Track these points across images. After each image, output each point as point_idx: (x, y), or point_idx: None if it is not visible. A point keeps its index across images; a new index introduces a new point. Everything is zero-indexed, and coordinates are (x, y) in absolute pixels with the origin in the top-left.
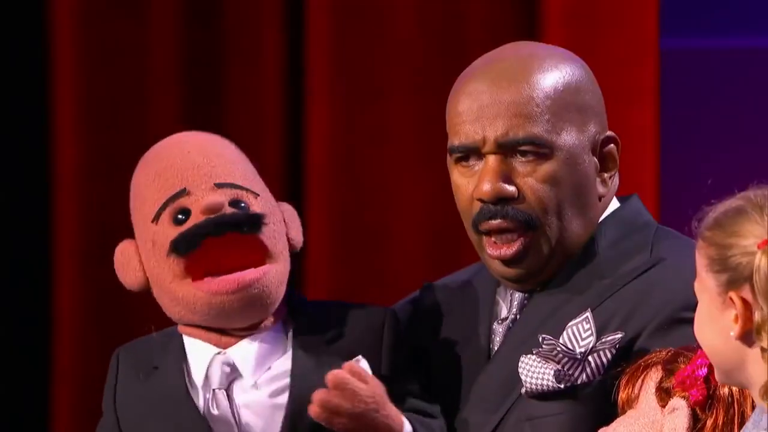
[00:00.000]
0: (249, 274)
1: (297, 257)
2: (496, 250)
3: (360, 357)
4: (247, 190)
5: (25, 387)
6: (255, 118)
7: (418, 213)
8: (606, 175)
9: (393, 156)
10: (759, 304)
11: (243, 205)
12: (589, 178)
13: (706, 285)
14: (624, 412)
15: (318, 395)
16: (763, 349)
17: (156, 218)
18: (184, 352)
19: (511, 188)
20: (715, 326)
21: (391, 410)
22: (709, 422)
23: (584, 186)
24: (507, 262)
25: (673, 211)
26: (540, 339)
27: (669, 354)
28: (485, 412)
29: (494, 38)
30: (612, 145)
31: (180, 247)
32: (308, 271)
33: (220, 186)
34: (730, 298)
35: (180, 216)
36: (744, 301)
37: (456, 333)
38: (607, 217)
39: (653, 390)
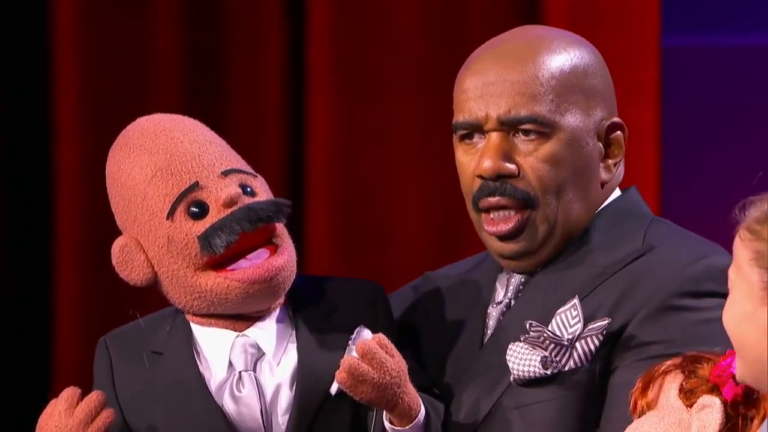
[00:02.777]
0: (278, 258)
1: (299, 254)
2: (493, 227)
3: (362, 327)
4: (246, 173)
5: (26, 384)
6: (256, 115)
7: (419, 210)
8: (610, 161)
9: (394, 153)
10: None
11: (249, 189)
12: (592, 163)
13: (747, 278)
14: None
15: (347, 361)
16: None
17: (170, 214)
18: (192, 339)
19: (512, 166)
20: (752, 323)
21: (411, 389)
22: (756, 422)
23: (586, 169)
24: (503, 238)
25: (674, 208)
26: (527, 326)
27: (684, 358)
28: (478, 399)
29: (495, 35)
30: (618, 132)
31: (215, 244)
32: (310, 268)
33: (226, 174)
34: None
35: (194, 209)
36: None
37: (452, 318)
38: (605, 206)
39: (675, 392)
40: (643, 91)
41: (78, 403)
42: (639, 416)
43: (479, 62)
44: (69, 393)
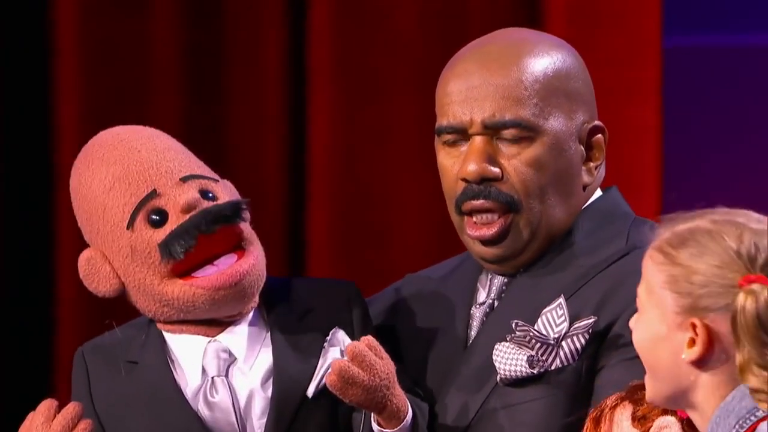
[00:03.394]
0: (244, 263)
1: (299, 254)
2: (476, 231)
3: (337, 328)
4: (207, 178)
5: (27, 384)
6: (257, 115)
7: (419, 210)
8: (592, 164)
9: (394, 153)
10: (742, 343)
11: (211, 194)
12: (574, 166)
13: (661, 301)
14: None
15: (337, 364)
16: (752, 390)
17: (130, 224)
18: (166, 347)
19: (496, 169)
20: (663, 344)
21: (399, 391)
22: None
23: (568, 173)
24: (486, 242)
25: (674, 209)
26: (513, 325)
27: (628, 390)
28: (465, 400)
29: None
30: (599, 135)
31: (174, 250)
32: (310, 269)
33: (185, 180)
34: (693, 324)
35: (154, 217)
36: (708, 329)
37: (435, 320)
38: (586, 207)
39: (628, 422)
40: (643, 91)
41: (55, 416)
42: None
43: (462, 64)
44: (46, 405)
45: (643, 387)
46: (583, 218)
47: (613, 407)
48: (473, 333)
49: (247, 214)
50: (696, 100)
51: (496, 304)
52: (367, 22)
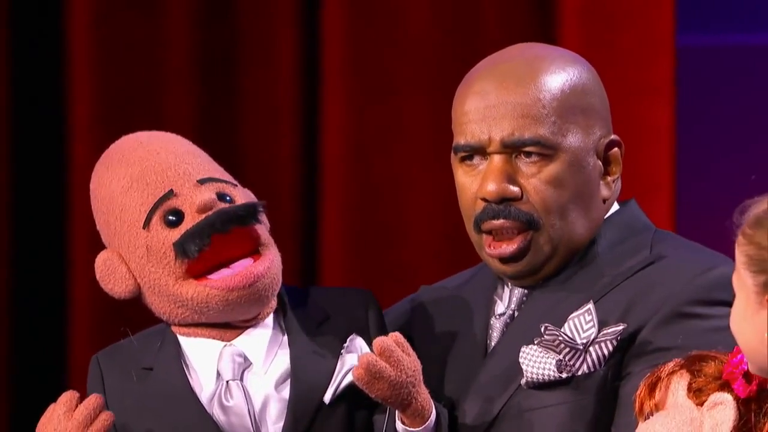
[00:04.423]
0: (259, 266)
1: (311, 252)
2: (495, 249)
3: (355, 335)
4: (226, 182)
5: (42, 385)
6: (270, 114)
7: (432, 208)
8: (610, 178)
9: (407, 152)
10: None
11: (228, 198)
12: (593, 181)
13: (743, 282)
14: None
15: (365, 358)
16: None
17: (146, 224)
18: (181, 352)
19: (515, 189)
20: (750, 324)
21: (424, 390)
22: None
23: (587, 188)
24: (506, 259)
25: (689, 207)
26: (542, 329)
27: (689, 358)
28: (484, 405)
29: (509, 35)
30: (616, 148)
31: (189, 249)
32: (323, 267)
33: (202, 182)
34: (767, 300)
35: (171, 217)
36: None
37: (453, 330)
38: (607, 219)
39: (683, 391)
40: (657, 90)
41: (76, 407)
42: (646, 419)
43: (479, 83)
44: (68, 396)
45: (702, 358)
46: (605, 230)
47: (671, 374)
48: (493, 343)
49: (263, 218)
50: (709, 100)
51: (516, 314)
52: (380, 20)
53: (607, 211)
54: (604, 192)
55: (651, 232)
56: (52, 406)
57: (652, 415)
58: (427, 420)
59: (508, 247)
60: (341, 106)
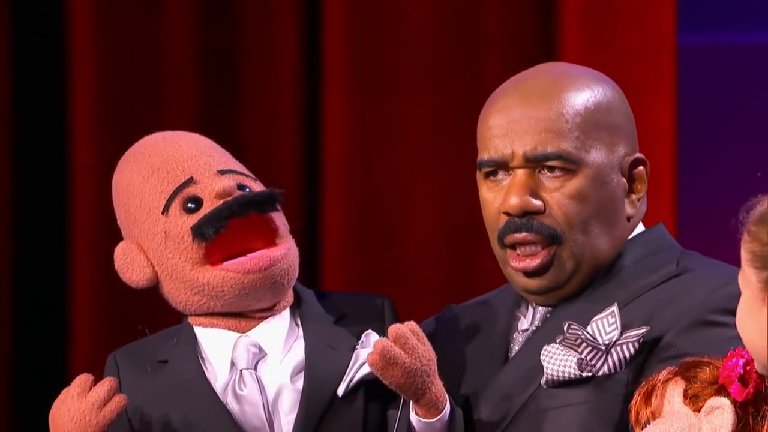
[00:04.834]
0: (275, 251)
1: (313, 251)
2: (519, 263)
3: (370, 331)
4: (246, 175)
5: (43, 384)
6: (271, 113)
7: (433, 207)
8: (634, 196)
9: (408, 151)
10: None
11: (248, 189)
12: (617, 198)
13: (748, 279)
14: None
15: (380, 343)
16: None
17: (165, 209)
18: (197, 343)
19: (538, 202)
20: (754, 321)
21: (439, 382)
22: None
23: (611, 205)
24: (530, 274)
25: (690, 207)
26: (565, 326)
27: (682, 365)
28: (502, 404)
29: (510, 34)
30: (641, 167)
31: (206, 230)
32: (324, 265)
33: (223, 173)
34: None
35: (190, 205)
36: None
37: (474, 342)
38: (633, 237)
39: (679, 398)
40: (659, 89)
41: (91, 389)
42: (642, 428)
43: (504, 100)
44: (82, 379)
45: (696, 364)
46: (631, 247)
47: (665, 382)
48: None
49: (281, 217)
50: (711, 99)
51: (538, 328)
52: (381, 20)
53: (632, 230)
54: (629, 210)
55: (677, 251)
56: (66, 389)
57: (649, 424)
58: (442, 411)
59: (532, 262)
60: (342, 105)
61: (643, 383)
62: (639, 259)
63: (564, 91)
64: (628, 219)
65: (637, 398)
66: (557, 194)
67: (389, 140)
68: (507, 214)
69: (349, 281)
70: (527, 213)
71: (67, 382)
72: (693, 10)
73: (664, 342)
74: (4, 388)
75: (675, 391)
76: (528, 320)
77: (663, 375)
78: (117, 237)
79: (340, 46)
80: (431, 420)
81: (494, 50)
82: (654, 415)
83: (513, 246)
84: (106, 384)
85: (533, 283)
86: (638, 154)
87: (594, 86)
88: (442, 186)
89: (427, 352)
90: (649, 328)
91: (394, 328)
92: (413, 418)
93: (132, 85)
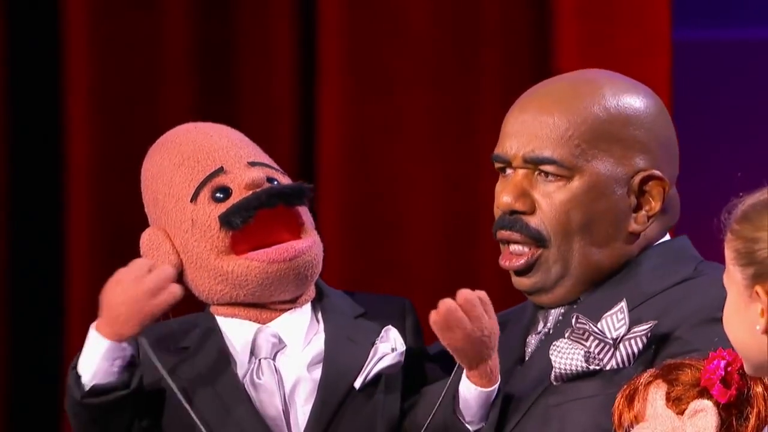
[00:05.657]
0: (300, 242)
1: None
2: (506, 261)
3: (390, 327)
4: (276, 169)
5: (39, 383)
6: (267, 110)
7: (430, 205)
8: (644, 213)
9: (405, 148)
10: None
11: (277, 182)
12: (619, 212)
13: (733, 278)
14: None
15: (446, 304)
16: None
17: (194, 197)
18: (219, 331)
19: (527, 203)
20: (741, 319)
21: (497, 359)
22: (752, 420)
23: (608, 217)
24: (518, 273)
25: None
26: (573, 320)
27: (663, 368)
28: (514, 405)
29: (507, 31)
30: (657, 185)
31: (234, 220)
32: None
33: (253, 164)
34: (756, 292)
35: (219, 194)
36: None
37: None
38: (654, 246)
39: (662, 401)
40: (654, 85)
41: (147, 274)
42: (626, 431)
43: (525, 99)
44: (138, 264)
45: (678, 367)
46: (650, 256)
47: (647, 384)
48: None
49: (307, 212)
50: (707, 95)
51: (551, 331)
52: (378, 16)
53: (641, 246)
54: (634, 226)
55: (697, 261)
56: (120, 270)
57: (632, 428)
58: (494, 385)
59: (516, 261)
60: (339, 102)
61: (625, 386)
62: (656, 266)
63: (579, 98)
64: (633, 234)
65: (619, 401)
66: (548, 198)
67: (386, 138)
68: (501, 210)
69: (346, 278)
70: (515, 212)
71: (63, 382)
72: (688, 6)
73: (675, 337)
74: (1, 391)
75: (657, 394)
76: (543, 323)
77: (644, 377)
78: (113, 236)
79: (337, 43)
80: (485, 389)
81: (491, 47)
82: (637, 419)
83: (502, 242)
84: (163, 271)
85: (522, 281)
86: (655, 171)
87: (618, 97)
88: (439, 183)
89: (490, 323)
90: (656, 322)
91: (464, 293)
92: (464, 383)
93: (128, 83)
